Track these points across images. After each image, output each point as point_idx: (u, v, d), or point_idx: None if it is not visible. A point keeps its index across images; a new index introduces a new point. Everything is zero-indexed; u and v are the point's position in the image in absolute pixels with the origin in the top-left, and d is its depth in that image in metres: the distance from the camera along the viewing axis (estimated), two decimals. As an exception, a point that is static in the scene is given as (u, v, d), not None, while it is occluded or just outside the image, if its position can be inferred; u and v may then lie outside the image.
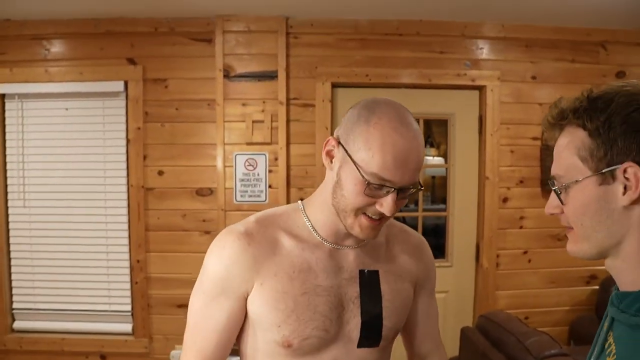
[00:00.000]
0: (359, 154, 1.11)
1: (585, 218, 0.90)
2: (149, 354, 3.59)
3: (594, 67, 3.76)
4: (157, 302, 3.57)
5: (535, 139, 3.73)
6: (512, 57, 3.69)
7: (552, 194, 0.96)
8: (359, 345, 1.25)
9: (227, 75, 3.49)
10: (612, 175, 0.86)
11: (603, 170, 0.87)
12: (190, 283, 3.50)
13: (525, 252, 3.77)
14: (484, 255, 3.72)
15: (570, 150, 0.91)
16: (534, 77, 3.71)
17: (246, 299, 1.21)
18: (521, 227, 3.76)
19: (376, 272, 1.27)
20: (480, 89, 3.70)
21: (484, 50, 3.67)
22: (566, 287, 3.84)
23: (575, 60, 3.74)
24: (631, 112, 0.84)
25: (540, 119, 3.68)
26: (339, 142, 1.16)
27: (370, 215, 1.15)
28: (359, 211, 1.15)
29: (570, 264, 3.82)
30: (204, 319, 1.23)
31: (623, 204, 0.86)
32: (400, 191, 1.13)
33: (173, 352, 3.55)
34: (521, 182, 3.75)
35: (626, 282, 0.91)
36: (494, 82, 3.65)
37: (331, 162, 1.19)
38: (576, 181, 0.90)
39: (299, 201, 1.30)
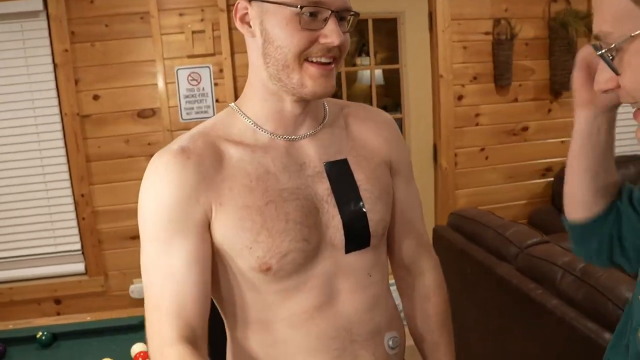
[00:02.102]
0: None
1: None
2: (106, 292, 3.53)
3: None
4: (108, 237, 3.49)
5: (487, 33, 3.81)
6: (461, -53, 3.73)
7: (602, 64, 0.75)
8: (347, 250, 1.10)
9: (159, -17, 3.35)
10: None
11: None
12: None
13: (482, 150, 3.93)
14: (442, 155, 3.84)
15: None
16: (483, -32, 3.78)
17: (209, 228, 1.03)
18: (477, 125, 3.90)
19: (344, 161, 1.13)
20: (429, -17, 3.74)
21: (431, -58, 3.69)
22: (523, 181, 4.05)
23: (524, -51, 3.82)
24: None
25: (490, 13, 3.79)
26: (250, 0, 1.03)
27: (316, 59, 1.00)
28: (302, 57, 1.00)
29: (527, 158, 4.03)
30: (165, 272, 1.01)
31: None
32: (339, 19, 1.00)
33: (132, 287, 3.52)
34: (475, 78, 3.86)
35: None
36: (443, -25, 3.69)
37: (250, 26, 1.05)
38: (632, 36, 0.68)
39: (231, 104, 1.15)
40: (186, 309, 1.00)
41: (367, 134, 1.19)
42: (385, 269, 1.22)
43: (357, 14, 1.04)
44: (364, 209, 1.11)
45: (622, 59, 0.70)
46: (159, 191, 1.01)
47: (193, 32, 3.40)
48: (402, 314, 1.29)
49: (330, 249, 1.09)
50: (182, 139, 1.06)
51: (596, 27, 0.74)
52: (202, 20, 3.40)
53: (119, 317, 2.20)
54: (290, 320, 1.08)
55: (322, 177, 1.10)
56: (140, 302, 3.56)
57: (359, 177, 1.12)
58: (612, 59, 0.72)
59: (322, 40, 0.98)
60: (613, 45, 0.70)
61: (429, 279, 1.30)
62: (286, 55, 0.99)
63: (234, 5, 3.36)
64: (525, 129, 4.02)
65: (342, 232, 1.09)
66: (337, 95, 4.93)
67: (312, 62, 1.00)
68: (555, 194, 4.00)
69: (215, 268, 1.06)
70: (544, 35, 3.96)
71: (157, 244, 1.01)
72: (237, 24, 1.06)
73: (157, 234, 1.01)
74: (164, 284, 1.01)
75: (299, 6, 0.95)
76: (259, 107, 1.09)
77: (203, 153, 1.03)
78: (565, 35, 3.84)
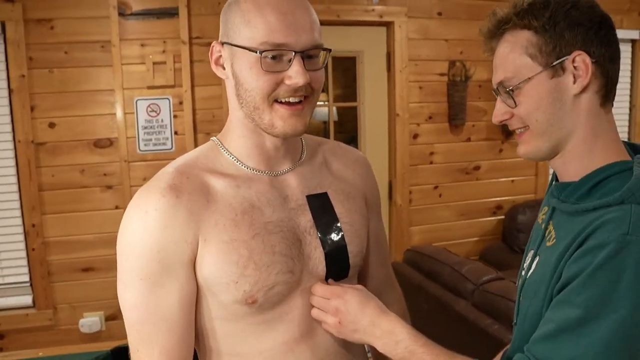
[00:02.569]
0: (242, 36, 1.01)
1: (540, 113, 1.00)
2: (54, 326, 3.41)
3: (496, 4, 4.01)
4: (58, 269, 3.39)
5: (442, 74, 3.95)
6: (418, -8, 3.88)
7: (498, 103, 1.06)
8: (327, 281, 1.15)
9: (122, 14, 3.32)
10: (562, 67, 0.98)
11: (554, 64, 0.98)
12: (94, 244, 3.43)
13: (436, 187, 4.04)
14: (397, 192, 3.93)
15: (517, 51, 1.00)
16: (439, 14, 3.90)
17: (194, 265, 1.03)
18: (431, 163, 4.01)
19: (325, 194, 1.16)
20: (388, 25, 3.82)
21: (390, -15, 3.82)
22: (475, 218, 4.17)
23: (478, -4, 4.00)
24: (569, 9, 0.98)
25: (446, 55, 3.93)
26: (223, 43, 1.07)
27: (285, 99, 1.02)
28: (271, 99, 1.02)
29: (478, 197, 4.16)
30: (150, 311, 1.01)
31: (574, 93, 0.98)
32: (306, 57, 1.02)
33: (82, 321, 3.42)
34: (430, 118, 3.98)
35: (569, 173, 1.04)
36: (402, 18, 3.79)
37: (223, 68, 1.08)
38: (528, 78, 0.99)
39: (212, 138, 1.16)
40: (175, 350, 1.02)
41: (344, 170, 1.24)
42: None
43: (328, 50, 1.08)
44: (344, 241, 1.14)
45: (520, 94, 1.01)
46: (147, 231, 1.00)
47: (154, 63, 3.40)
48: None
49: (312, 280, 1.11)
50: (169, 176, 1.05)
51: (499, 77, 1.04)
52: (163, 51, 3.42)
53: (70, 354, 2.13)
54: (270, 354, 1.08)
55: (304, 209, 1.12)
56: (89, 337, 3.48)
57: (339, 210, 1.16)
58: (512, 94, 1.02)
59: (287, 82, 1.00)
60: (515, 85, 1.01)
61: (394, 311, 1.23)
62: (254, 98, 1.02)
63: (195, 38, 3.39)
64: (477, 168, 4.15)
65: (323, 263, 1.12)
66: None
67: (281, 102, 1.02)
68: (505, 232, 4.13)
69: (197, 304, 1.07)
70: (496, 78, 4.12)
71: (146, 284, 1.00)
72: (212, 66, 1.09)
73: (146, 273, 1.00)
74: (155, 325, 1.01)
75: (258, 51, 0.98)
76: (240, 144, 1.11)
77: (191, 190, 1.03)
78: (516, 79, 4.01)
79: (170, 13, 3.40)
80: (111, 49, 3.34)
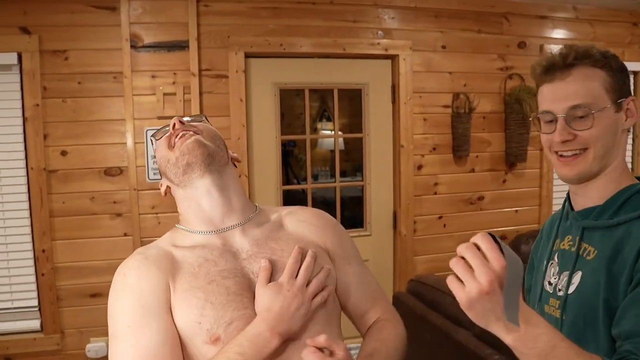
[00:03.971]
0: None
1: (605, 138, 1.26)
2: (61, 351, 3.49)
3: (498, 38, 4.15)
4: (67, 294, 3.48)
5: (446, 106, 4.05)
6: (423, 27, 3.97)
7: (561, 124, 1.27)
8: None
9: (134, 46, 3.45)
10: (621, 106, 1.28)
11: (619, 101, 1.27)
12: (103, 270, 3.52)
13: (440, 217, 4.12)
14: (401, 222, 4.01)
15: (597, 83, 1.25)
16: (443, 47, 4.02)
17: (172, 312, 1.21)
18: (435, 193, 4.10)
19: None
20: (393, 58, 3.94)
21: (396, 20, 3.91)
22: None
23: (481, 31, 4.09)
24: (622, 61, 1.30)
25: (450, 87, 4.04)
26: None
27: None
28: (170, 155, 1.31)
29: (482, 227, 4.23)
30: (141, 352, 1.15)
31: (624, 128, 1.29)
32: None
33: (89, 346, 3.49)
34: (434, 149, 4.07)
35: (592, 197, 1.31)
36: (406, 51, 3.92)
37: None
38: (604, 108, 1.25)
39: (176, 225, 1.40)
40: None
41: (298, 225, 1.41)
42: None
43: (201, 118, 1.43)
44: None
45: (594, 118, 1.25)
46: (129, 287, 1.21)
47: (164, 94, 3.52)
48: None
49: None
50: (138, 250, 1.30)
51: (577, 100, 1.25)
52: (173, 83, 3.54)
53: None
54: None
55: (256, 258, 1.29)
56: (96, 362, 3.48)
57: (288, 250, 1.31)
58: (584, 120, 1.26)
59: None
60: (595, 110, 1.25)
61: (382, 321, 1.41)
62: (163, 159, 1.36)
63: (205, 70, 3.52)
64: (481, 198, 4.23)
65: None
66: (299, 159, 5.01)
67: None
68: (509, 262, 4.18)
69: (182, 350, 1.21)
70: (500, 109, 4.23)
71: (134, 329, 1.17)
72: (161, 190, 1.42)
73: (133, 320, 1.18)
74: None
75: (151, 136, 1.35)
76: (187, 216, 1.36)
77: (157, 256, 1.26)
78: (519, 110, 4.11)
79: (181, 46, 3.53)
80: (123, 80, 3.46)
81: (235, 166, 1.45)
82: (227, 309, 1.19)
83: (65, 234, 3.47)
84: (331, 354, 1.16)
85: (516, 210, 4.34)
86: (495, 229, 4.24)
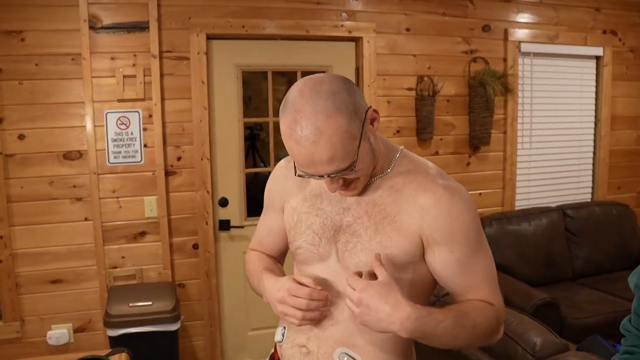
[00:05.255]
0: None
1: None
2: (21, 339, 3.45)
3: (462, 21, 4.18)
4: (26, 281, 3.43)
5: (410, 89, 4.08)
6: (387, 9, 3.97)
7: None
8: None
9: (93, 27, 3.39)
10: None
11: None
12: (63, 256, 3.49)
13: (405, 200, 4.16)
14: (366, 205, 4.04)
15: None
16: (407, 29, 4.03)
17: (282, 211, 1.63)
18: (400, 176, 4.14)
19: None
20: (357, 40, 3.95)
21: (360, 2, 3.90)
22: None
23: (446, 14, 4.12)
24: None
25: (414, 70, 4.06)
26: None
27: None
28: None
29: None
30: (264, 223, 1.73)
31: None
32: (331, 175, 1.28)
33: (50, 333, 3.46)
34: (398, 131, 4.10)
35: None
36: (370, 33, 3.92)
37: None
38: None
39: None
40: (263, 241, 1.75)
41: (409, 201, 1.38)
42: None
43: (353, 168, 1.32)
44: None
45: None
46: (269, 182, 1.69)
47: (124, 77, 3.48)
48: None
49: (340, 261, 1.45)
50: (287, 158, 1.66)
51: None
52: (133, 65, 3.49)
53: None
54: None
55: (351, 211, 1.44)
56: (57, 349, 3.51)
57: (369, 223, 1.40)
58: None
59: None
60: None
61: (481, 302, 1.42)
62: None
63: (165, 52, 3.49)
64: (445, 181, 4.26)
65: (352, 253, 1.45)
66: (266, 142, 5.02)
67: None
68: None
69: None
70: (464, 92, 4.27)
71: (265, 210, 1.72)
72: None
73: (265, 203, 1.71)
74: (261, 227, 1.74)
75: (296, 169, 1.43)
76: None
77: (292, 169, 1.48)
78: (483, 93, 4.16)
79: (141, 27, 3.48)
80: (81, 61, 3.40)
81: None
82: (302, 236, 1.51)
83: (24, 219, 3.42)
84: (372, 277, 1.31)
85: (480, 193, 4.40)
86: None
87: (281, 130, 1.29)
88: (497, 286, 1.47)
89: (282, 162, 1.66)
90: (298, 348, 1.50)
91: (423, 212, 1.36)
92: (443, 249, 1.37)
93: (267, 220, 1.71)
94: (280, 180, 1.62)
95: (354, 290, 1.27)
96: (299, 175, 1.34)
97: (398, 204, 1.39)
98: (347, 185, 1.36)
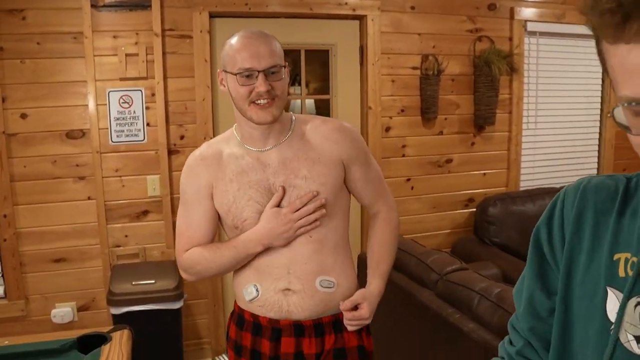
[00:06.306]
0: (228, 64, 1.70)
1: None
2: (26, 317, 3.49)
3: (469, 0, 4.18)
4: (30, 260, 3.46)
5: (414, 68, 4.07)
6: (391, -14, 3.97)
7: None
8: None
9: (94, 5, 3.37)
10: None
11: None
12: (67, 235, 3.52)
13: (408, 180, 4.16)
14: (370, 185, 4.05)
15: None
16: (412, 8, 4.01)
17: (212, 198, 1.84)
18: (403, 155, 4.13)
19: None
20: (361, 18, 3.93)
21: (364, -21, 3.92)
22: (447, 211, 4.30)
23: (451, -8, 4.11)
24: None
25: (419, 49, 4.04)
26: (223, 70, 1.75)
27: (257, 101, 1.68)
28: (248, 101, 1.68)
29: (450, 189, 4.29)
30: (188, 219, 1.87)
31: None
32: (268, 74, 1.66)
33: (54, 311, 3.51)
34: (402, 111, 4.10)
35: None
36: (375, 12, 3.90)
37: (224, 86, 1.77)
38: None
39: (233, 126, 1.87)
40: (196, 239, 1.88)
41: (321, 141, 1.81)
42: (332, 234, 1.84)
43: (285, 66, 1.72)
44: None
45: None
46: (185, 177, 1.88)
47: (126, 55, 3.47)
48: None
49: None
50: (203, 146, 1.90)
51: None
52: (136, 43, 3.49)
53: (40, 341, 2.18)
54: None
55: (279, 174, 1.77)
56: (62, 327, 3.54)
57: (303, 172, 1.77)
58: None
59: (255, 90, 1.67)
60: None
61: (380, 216, 1.97)
62: (239, 102, 1.72)
63: (168, 30, 3.48)
64: (449, 161, 4.28)
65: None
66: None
67: (255, 103, 1.69)
68: (477, 224, 4.26)
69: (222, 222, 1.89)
70: (469, 72, 4.25)
71: (184, 205, 1.89)
72: (220, 88, 1.79)
73: (185, 199, 1.88)
74: (188, 227, 1.88)
75: (235, 73, 1.68)
76: (241, 129, 1.83)
77: (211, 157, 1.83)
78: (488, 73, 4.14)
79: (143, 5, 3.47)
80: (83, 40, 3.40)
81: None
82: (245, 210, 1.78)
83: (27, 198, 3.44)
84: (355, 307, 1.79)
85: (484, 173, 4.41)
86: (463, 192, 4.33)
87: (230, 48, 1.70)
88: (387, 188, 2.01)
89: (194, 156, 1.87)
90: (282, 292, 1.80)
91: (336, 144, 1.81)
92: (355, 166, 1.86)
93: (196, 213, 1.85)
94: (202, 171, 1.83)
95: (365, 316, 1.79)
96: (241, 75, 1.66)
97: (316, 148, 1.79)
98: (272, 97, 1.68)
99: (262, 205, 1.77)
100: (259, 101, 1.67)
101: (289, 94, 2.05)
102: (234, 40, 1.70)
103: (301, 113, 4.22)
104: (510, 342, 1.08)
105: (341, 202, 1.87)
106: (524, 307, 1.01)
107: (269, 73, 1.66)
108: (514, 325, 1.06)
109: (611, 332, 0.83)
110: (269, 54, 1.66)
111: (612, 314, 0.85)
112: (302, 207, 1.75)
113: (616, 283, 0.85)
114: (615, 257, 0.86)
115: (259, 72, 1.64)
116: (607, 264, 0.87)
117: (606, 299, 0.86)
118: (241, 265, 1.84)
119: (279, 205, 1.77)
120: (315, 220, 1.77)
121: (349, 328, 1.80)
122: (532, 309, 1.00)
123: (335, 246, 1.86)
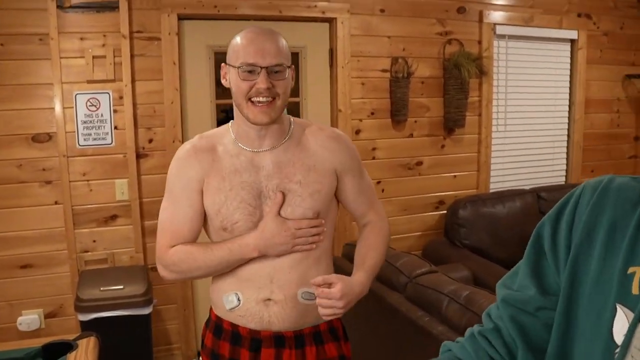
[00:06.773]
0: (232, 58, 1.66)
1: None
2: (-10, 323, 3.44)
3: (437, 2, 4.18)
4: (-5, 265, 3.42)
5: (384, 71, 4.09)
6: (361, -11, 3.99)
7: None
8: None
9: (60, 6, 3.33)
10: None
11: None
12: (34, 240, 3.48)
13: (379, 182, 4.18)
14: (341, 188, 4.06)
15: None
16: (382, 10, 4.03)
17: (202, 195, 1.77)
18: (374, 158, 4.15)
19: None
20: (331, 21, 3.93)
21: (333, -18, 3.92)
22: (417, 213, 4.33)
23: (421, -5, 4.14)
24: None
25: (389, 51, 4.07)
26: (225, 63, 1.70)
27: (256, 100, 1.64)
28: (247, 98, 1.65)
29: (421, 192, 4.31)
30: (173, 213, 1.80)
31: None
32: (271, 72, 1.63)
33: (21, 319, 3.44)
34: (372, 113, 4.11)
35: None
36: (344, 14, 3.91)
37: (227, 81, 1.72)
38: None
39: (230, 122, 1.83)
40: (182, 230, 1.81)
41: (317, 147, 1.80)
42: (317, 247, 1.80)
43: (289, 66, 1.68)
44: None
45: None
46: (176, 168, 1.80)
47: (94, 57, 3.44)
48: None
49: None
50: (196, 138, 1.82)
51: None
52: (103, 45, 3.45)
53: (4, 350, 2.13)
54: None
55: (272, 178, 1.74)
56: (28, 335, 3.49)
57: (298, 177, 1.75)
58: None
59: (256, 86, 1.62)
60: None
61: (371, 225, 1.94)
62: (237, 97, 1.68)
63: (136, 32, 3.45)
64: (419, 163, 4.31)
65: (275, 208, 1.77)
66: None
67: (252, 102, 1.65)
68: (447, 226, 4.30)
69: (206, 220, 1.82)
70: (438, 74, 4.29)
71: (172, 196, 1.81)
72: (222, 81, 1.74)
73: (173, 190, 1.80)
74: (171, 222, 1.81)
75: (237, 67, 1.64)
76: (237, 127, 1.78)
77: (204, 151, 1.77)
78: (458, 76, 4.18)
79: (111, 7, 3.43)
80: (49, 42, 3.35)
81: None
82: (236, 212, 1.73)
83: (-9, 203, 3.39)
84: (329, 286, 1.67)
85: (454, 176, 4.45)
86: (434, 194, 4.36)
87: (236, 42, 1.67)
88: (377, 199, 2.01)
89: (186, 147, 1.80)
90: (263, 302, 1.78)
91: (332, 154, 1.80)
92: (349, 177, 1.85)
93: (183, 208, 1.78)
94: (194, 164, 1.76)
95: (336, 296, 1.65)
96: (243, 69, 1.62)
97: (312, 155, 1.78)
98: (272, 95, 1.65)
99: (253, 208, 1.74)
100: (258, 99, 1.64)
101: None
102: (241, 34, 1.68)
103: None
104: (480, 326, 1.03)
105: (331, 214, 1.86)
106: (512, 297, 0.96)
107: (272, 71, 1.63)
108: (490, 312, 1.01)
109: (616, 356, 0.76)
110: (274, 52, 1.63)
111: (618, 336, 0.77)
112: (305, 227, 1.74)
113: (628, 301, 0.76)
114: (630, 270, 0.77)
115: (261, 68, 1.61)
116: (620, 277, 0.78)
117: (614, 317, 0.78)
118: (229, 269, 1.79)
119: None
120: (312, 243, 1.77)
121: (321, 313, 1.69)
122: (520, 301, 0.94)
123: (319, 258, 1.84)
